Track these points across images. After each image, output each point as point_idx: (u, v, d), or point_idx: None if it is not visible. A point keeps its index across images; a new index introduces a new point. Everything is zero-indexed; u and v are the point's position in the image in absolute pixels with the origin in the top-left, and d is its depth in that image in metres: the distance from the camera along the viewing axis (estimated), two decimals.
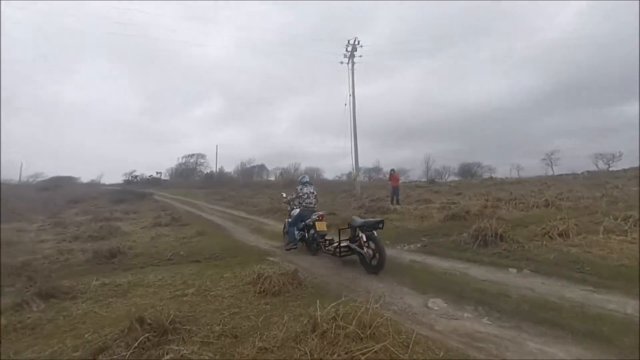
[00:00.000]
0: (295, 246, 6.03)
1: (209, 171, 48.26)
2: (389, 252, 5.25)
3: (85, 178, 45.50)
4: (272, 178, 47.50)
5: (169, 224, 10.37)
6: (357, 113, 18.26)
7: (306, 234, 5.97)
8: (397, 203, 12.90)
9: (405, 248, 6.11)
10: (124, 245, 6.41)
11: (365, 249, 4.48)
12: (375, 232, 4.55)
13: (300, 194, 6.27)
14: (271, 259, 5.54)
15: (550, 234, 5.37)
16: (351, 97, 18.29)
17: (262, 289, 3.46)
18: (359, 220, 4.90)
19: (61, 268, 5.36)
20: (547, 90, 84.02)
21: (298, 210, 6.21)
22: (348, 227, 5.29)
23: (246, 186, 33.49)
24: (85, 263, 5.62)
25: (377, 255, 4.32)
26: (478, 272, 4.21)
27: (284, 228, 6.79)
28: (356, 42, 18.07)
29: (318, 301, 2.60)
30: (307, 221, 5.94)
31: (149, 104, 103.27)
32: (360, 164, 47.87)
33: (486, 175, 41.86)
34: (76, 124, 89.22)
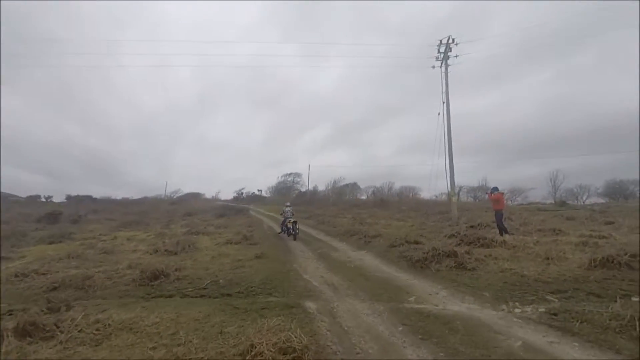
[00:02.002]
0: (283, 233, 12.61)
1: (304, 189, 50.55)
2: (486, 312, 3.83)
3: (208, 194, 54.37)
4: (364, 197, 46.20)
5: (240, 242, 10.24)
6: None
7: (285, 227, 12.30)
8: (506, 232, 9.69)
9: (517, 312, 3.84)
10: (172, 266, 6.16)
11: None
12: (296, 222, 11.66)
13: (284, 210, 12.94)
14: (308, 305, 4.22)
15: None
16: (444, 104, 15.69)
17: None
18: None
19: (106, 287, 5.33)
20: None
21: (283, 217, 12.77)
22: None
23: (335, 204, 33.12)
24: (131, 282, 5.49)
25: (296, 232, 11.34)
26: None
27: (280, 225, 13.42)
28: (450, 41, 15.58)
29: None
30: (286, 222, 12.27)
31: (269, 134, 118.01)
32: (463, 182, 41.88)
33: None
34: (216, 154, 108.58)
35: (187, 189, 58.00)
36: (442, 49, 15.97)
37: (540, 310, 3.80)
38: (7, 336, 2.84)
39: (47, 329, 3.02)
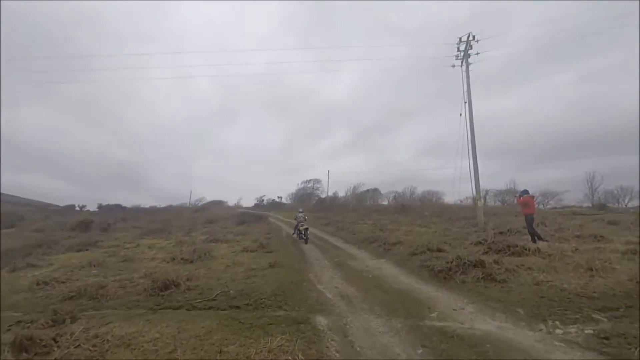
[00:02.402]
0: (295, 235, 13.55)
1: (323, 196, 50.29)
2: (520, 333, 3.36)
3: (230, 201, 55.42)
4: (385, 202, 45.18)
5: (256, 250, 10.08)
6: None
7: (298, 232, 13.01)
8: (539, 238, 8.89)
9: (559, 333, 3.33)
10: (184, 275, 6.05)
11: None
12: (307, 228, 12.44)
13: (297, 216, 13.80)
14: (319, 320, 3.90)
15: None
16: (466, 104, 14.96)
17: None
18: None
19: (118, 296, 5.29)
20: None
21: (296, 222, 13.64)
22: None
23: (355, 210, 32.56)
24: (143, 292, 5.42)
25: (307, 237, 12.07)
26: None
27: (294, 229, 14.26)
28: (470, 38, 14.91)
29: None
30: (298, 226, 13.11)
31: (286, 141, 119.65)
32: (489, 186, 40.00)
33: None
34: (235, 161, 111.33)
35: (210, 196, 59.50)
36: (462, 47, 15.31)
37: (586, 332, 3.27)
38: (5, 351, 2.75)
39: (44, 344, 2.92)
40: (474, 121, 14.85)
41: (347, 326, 3.75)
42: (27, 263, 9.32)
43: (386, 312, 4.24)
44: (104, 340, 3.13)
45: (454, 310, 4.23)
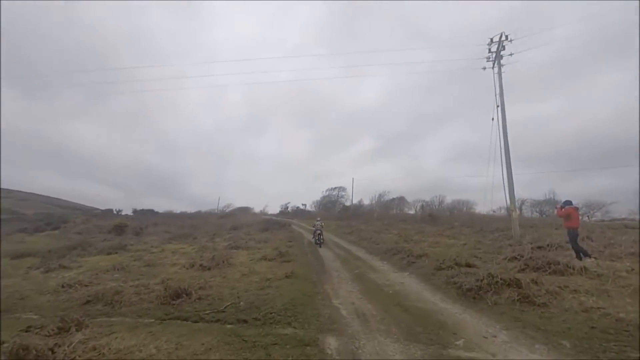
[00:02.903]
0: (314, 241, 14.74)
1: (348, 203, 49.64)
2: None
3: (257, 208, 56.37)
4: (412, 211, 43.65)
5: (274, 258, 9.90)
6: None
7: (316, 237, 14.48)
8: (586, 255, 7.89)
9: None
10: (197, 284, 5.95)
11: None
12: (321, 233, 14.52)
13: (315, 224, 15.26)
14: (328, 342, 3.55)
15: None
16: (499, 108, 14.01)
17: None
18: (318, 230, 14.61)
19: (132, 303, 5.26)
20: None
21: (314, 229, 15.09)
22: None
23: (380, 219, 31.66)
24: (155, 300, 5.36)
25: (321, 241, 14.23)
26: None
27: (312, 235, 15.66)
28: (503, 38, 14.02)
29: None
30: (316, 232, 14.68)
31: (312, 149, 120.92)
32: (526, 195, 37.35)
33: None
34: (263, 168, 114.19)
35: (238, 203, 60.84)
36: (494, 48, 14.45)
37: None
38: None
39: (40, 355, 2.84)
40: (509, 127, 13.86)
41: (359, 350, 3.36)
42: (59, 264, 9.80)
43: (405, 335, 3.80)
44: (100, 354, 3.01)
45: (484, 337, 3.70)
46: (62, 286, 6.76)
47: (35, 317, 4.94)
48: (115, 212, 45.77)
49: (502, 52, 14.30)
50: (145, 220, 34.81)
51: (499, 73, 14.25)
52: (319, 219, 16.11)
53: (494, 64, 14.53)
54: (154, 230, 27.65)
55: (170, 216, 43.43)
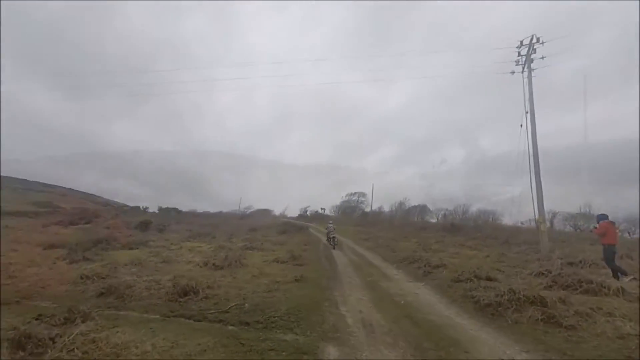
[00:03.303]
0: (327, 242, 15.68)
1: (368, 209, 48.93)
2: None
3: (277, 210, 56.89)
4: (433, 220, 42.25)
5: (286, 261, 9.83)
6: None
7: (330, 239, 15.22)
8: (623, 274, 7.17)
9: None
10: (205, 283, 5.97)
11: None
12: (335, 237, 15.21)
13: (328, 227, 16.33)
14: (328, 351, 3.37)
15: None
16: (528, 114, 13.26)
17: None
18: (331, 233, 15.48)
19: (141, 298, 5.35)
20: None
21: (327, 231, 16.20)
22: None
23: (400, 227, 30.88)
24: (164, 296, 5.42)
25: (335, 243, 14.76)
26: None
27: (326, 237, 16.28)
28: (534, 41, 13.29)
29: None
30: (329, 234, 15.54)
31: (335, 153, 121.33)
32: (559, 208, 35.11)
33: None
34: (286, 172, 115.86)
35: (259, 205, 61.66)
36: (524, 52, 13.74)
37: None
38: (4, 347, 2.77)
39: (41, 344, 2.89)
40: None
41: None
42: (83, 256, 10.25)
43: (412, 350, 3.55)
44: (97, 347, 3.02)
45: (500, 359, 3.38)
46: (81, 277, 7.02)
47: (53, 305, 5.12)
48: (142, 209, 47.81)
49: (532, 56, 13.58)
50: (169, 218, 36.05)
51: (529, 77, 13.53)
52: (331, 222, 17.81)
53: (523, 68, 13.81)
54: (177, 228, 28.54)
55: (192, 215, 44.75)
